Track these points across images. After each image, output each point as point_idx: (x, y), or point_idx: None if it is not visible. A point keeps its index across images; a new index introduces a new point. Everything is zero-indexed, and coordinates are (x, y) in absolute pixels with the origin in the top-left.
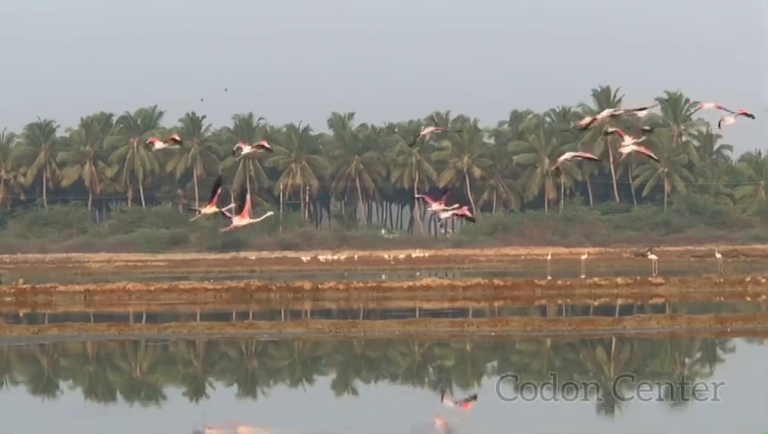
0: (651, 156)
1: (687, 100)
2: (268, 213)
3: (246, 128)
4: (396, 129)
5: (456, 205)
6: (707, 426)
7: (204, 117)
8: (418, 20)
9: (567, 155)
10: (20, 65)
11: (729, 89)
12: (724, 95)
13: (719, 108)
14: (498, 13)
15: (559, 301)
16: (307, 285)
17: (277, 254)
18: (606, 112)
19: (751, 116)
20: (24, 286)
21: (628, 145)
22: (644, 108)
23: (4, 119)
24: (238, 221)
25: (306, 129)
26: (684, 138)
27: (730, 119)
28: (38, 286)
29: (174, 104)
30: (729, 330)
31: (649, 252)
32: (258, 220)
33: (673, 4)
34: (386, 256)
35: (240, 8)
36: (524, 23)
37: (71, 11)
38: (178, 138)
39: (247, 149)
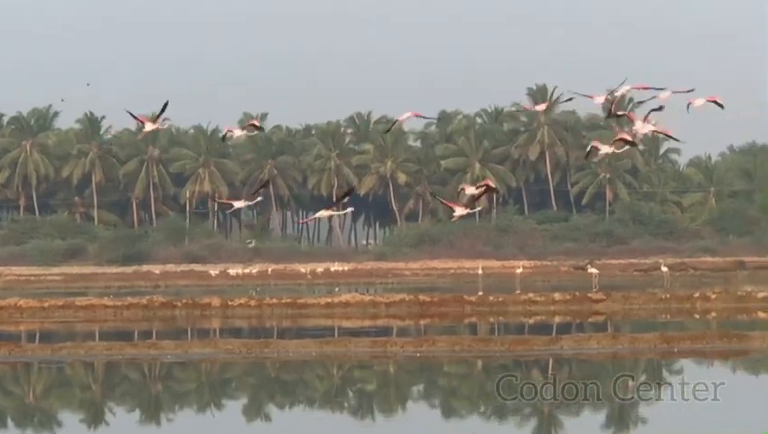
0: (672, 137)
1: (631, 100)
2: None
3: None
4: (313, 131)
5: (482, 187)
6: None
7: (104, 117)
8: (343, 13)
9: (643, 128)
10: None
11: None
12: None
13: (676, 92)
14: (425, 5)
15: (491, 319)
16: (216, 301)
17: (184, 267)
18: (624, 88)
19: (720, 105)
20: None
21: (643, 127)
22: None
23: None
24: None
25: (215, 131)
26: None
27: (700, 101)
28: None
29: (68, 102)
30: (676, 350)
31: (589, 265)
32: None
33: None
34: (302, 269)
35: None
36: (452, 16)
37: None
38: (257, 124)
39: (237, 132)
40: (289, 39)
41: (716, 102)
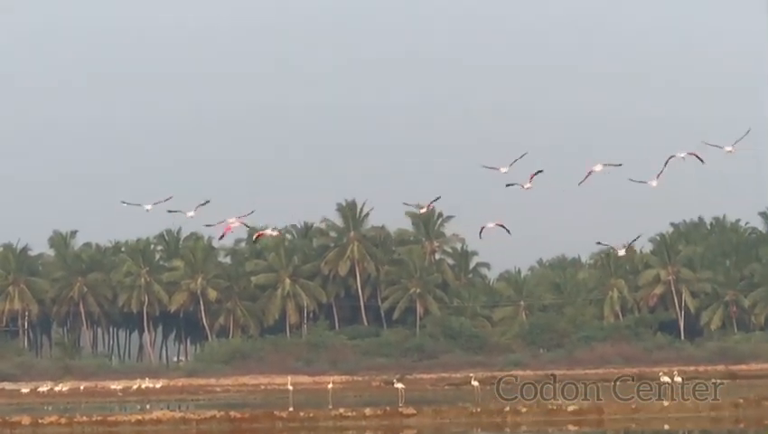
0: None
1: (440, 214)
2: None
3: None
4: (122, 248)
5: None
6: None
7: None
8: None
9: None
10: None
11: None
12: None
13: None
14: (236, 117)
15: None
16: (26, 419)
17: None
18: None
19: (701, 160)
20: None
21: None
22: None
23: None
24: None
25: (25, 249)
26: (438, 256)
27: (598, 167)
28: None
29: None
30: None
31: (396, 381)
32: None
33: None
34: (113, 386)
35: None
36: (259, 129)
37: None
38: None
39: (191, 214)
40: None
41: (697, 156)
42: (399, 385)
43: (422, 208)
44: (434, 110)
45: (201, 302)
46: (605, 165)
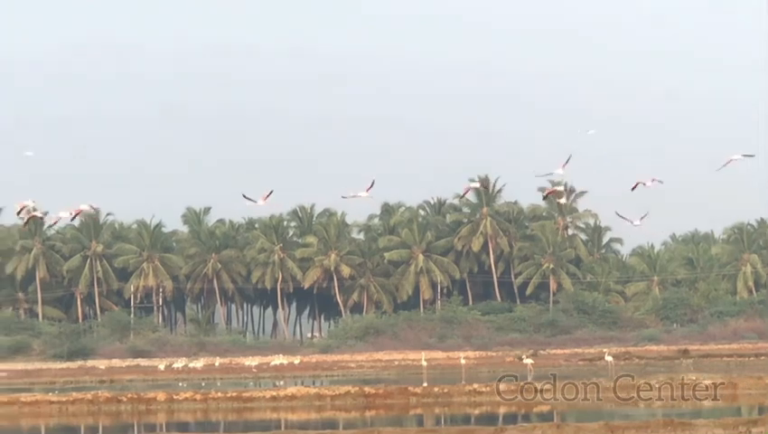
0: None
1: (572, 189)
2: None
3: (92, 225)
4: (256, 225)
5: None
6: None
7: (47, 213)
8: (283, 112)
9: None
10: None
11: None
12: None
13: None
14: (369, 100)
15: (437, 410)
16: (161, 396)
17: (129, 362)
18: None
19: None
20: None
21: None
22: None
23: None
24: None
25: (159, 226)
26: (570, 232)
27: (736, 156)
28: None
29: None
30: None
31: (526, 356)
32: None
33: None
34: (247, 362)
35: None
36: (394, 109)
37: None
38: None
39: (261, 202)
40: (231, 136)
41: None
42: (528, 361)
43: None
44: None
45: (335, 278)
46: (744, 155)
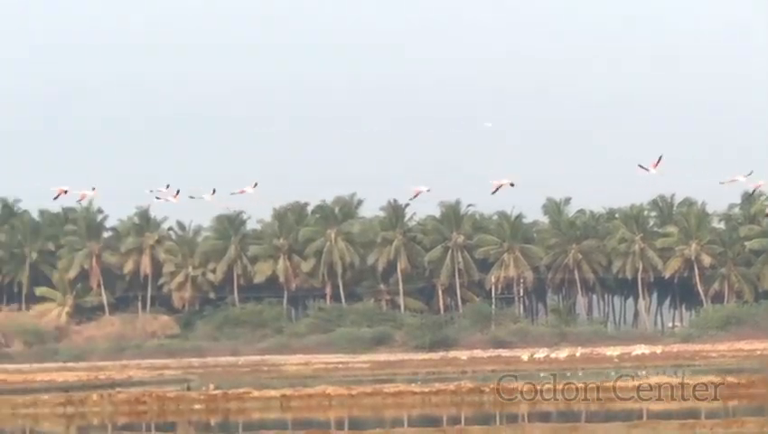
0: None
1: None
2: None
3: (453, 216)
4: (616, 215)
5: None
6: None
7: (408, 205)
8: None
9: None
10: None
11: None
12: None
13: None
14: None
15: None
16: (525, 387)
17: (490, 353)
18: None
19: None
20: (215, 392)
21: None
22: None
23: (191, 212)
24: None
25: (519, 217)
26: None
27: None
28: (230, 391)
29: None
30: None
31: None
32: None
33: None
34: (609, 353)
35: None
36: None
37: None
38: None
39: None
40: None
41: None
42: None
43: None
44: None
45: (696, 268)
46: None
